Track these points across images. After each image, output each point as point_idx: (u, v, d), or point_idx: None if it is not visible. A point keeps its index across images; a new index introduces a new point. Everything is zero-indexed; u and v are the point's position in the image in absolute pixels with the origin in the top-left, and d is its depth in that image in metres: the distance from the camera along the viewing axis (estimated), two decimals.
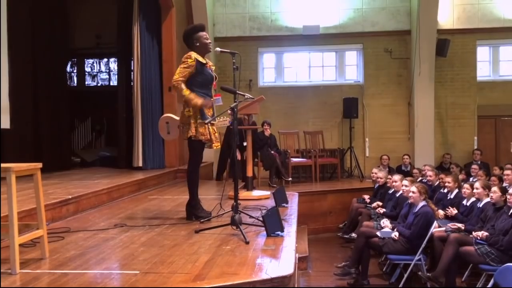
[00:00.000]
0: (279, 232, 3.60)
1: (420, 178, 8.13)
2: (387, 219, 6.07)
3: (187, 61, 4.09)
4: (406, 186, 5.99)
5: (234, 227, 3.65)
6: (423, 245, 5.24)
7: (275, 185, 8.55)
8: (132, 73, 8.44)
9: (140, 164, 8.15)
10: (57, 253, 3.14)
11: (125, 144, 8.53)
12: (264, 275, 2.59)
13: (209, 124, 4.11)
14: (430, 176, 7.40)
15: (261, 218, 3.75)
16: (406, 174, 8.54)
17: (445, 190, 6.54)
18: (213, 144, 4.18)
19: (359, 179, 9.84)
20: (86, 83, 11.80)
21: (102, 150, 10.27)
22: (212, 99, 4.25)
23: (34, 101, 7.78)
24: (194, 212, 4.29)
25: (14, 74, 6.75)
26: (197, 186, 4.33)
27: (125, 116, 8.56)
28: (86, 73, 11.83)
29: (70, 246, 3.36)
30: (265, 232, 3.60)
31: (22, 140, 7.32)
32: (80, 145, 10.88)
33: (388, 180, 7.40)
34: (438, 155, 10.26)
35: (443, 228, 5.58)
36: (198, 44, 4.21)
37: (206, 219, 4.16)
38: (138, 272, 2.69)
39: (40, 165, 3.00)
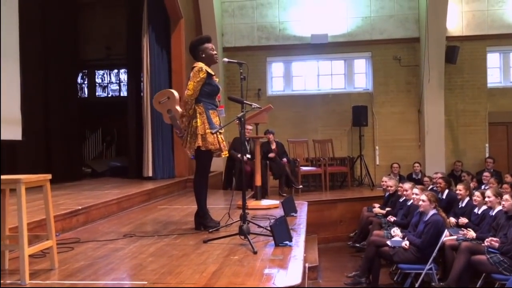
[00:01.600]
0: (287, 242, 3.59)
1: (431, 186, 8.06)
2: (397, 228, 6.04)
3: (198, 75, 4.09)
4: (416, 194, 5.95)
5: (242, 237, 3.64)
6: (434, 254, 5.19)
7: (285, 194, 8.54)
8: (141, 84, 8.50)
9: (150, 174, 8.18)
10: (67, 264, 3.16)
11: (135, 154, 8.57)
12: (271, 286, 2.58)
13: (218, 133, 4.13)
14: (440, 183, 7.34)
15: (269, 228, 3.74)
16: (416, 182, 8.47)
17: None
18: (222, 153, 4.19)
19: (370, 187, 9.79)
20: (97, 94, 11.92)
21: (113, 160, 10.34)
22: (217, 109, 4.27)
23: (45, 112, 7.88)
24: (202, 222, 4.29)
25: (25, 85, 6.83)
26: (205, 196, 4.33)
27: (135, 126, 8.62)
28: (97, 84, 11.95)
29: (80, 256, 3.38)
30: (273, 242, 3.59)
31: (33, 151, 7.40)
32: (91, 156, 10.97)
33: (399, 188, 7.34)
34: (449, 163, 10.18)
35: (455, 237, 5.53)
36: (204, 55, 4.24)
37: (214, 229, 4.16)
38: (146, 282, 2.69)
39: (49, 176, 3.03)
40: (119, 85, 11.72)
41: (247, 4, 10.78)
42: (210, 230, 4.14)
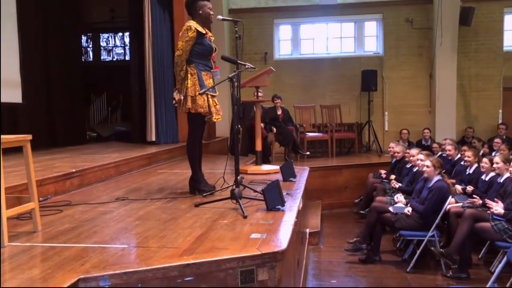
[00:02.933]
0: (279, 207, 3.47)
1: (440, 153, 7.88)
2: (401, 194, 5.90)
3: (187, 34, 3.92)
4: (421, 160, 5.77)
5: (234, 201, 3.54)
6: (436, 221, 5.06)
7: (292, 160, 8.42)
8: (144, 47, 8.30)
9: (154, 139, 8.10)
10: (51, 226, 3.10)
11: (139, 119, 8.46)
12: (254, 251, 2.48)
13: (209, 95, 3.98)
14: (450, 150, 7.15)
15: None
16: (426, 148, 8.27)
17: (465, 163, 6.31)
18: (213, 117, 4.03)
19: (377, 154, 9.61)
20: (102, 57, 11.76)
21: (118, 125, 10.28)
22: (212, 71, 4.10)
23: (46, 76, 7.78)
24: (197, 186, 4.20)
25: (24, 49, 6.72)
26: (199, 160, 4.22)
27: (138, 90, 8.48)
28: (102, 48, 11.77)
29: (66, 219, 3.31)
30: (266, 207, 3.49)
31: (34, 115, 7.34)
32: (96, 120, 10.92)
33: (406, 154, 7.17)
34: (460, 129, 9.92)
35: (460, 204, 5.38)
36: (201, 12, 4.04)
37: (208, 193, 4.07)
38: (126, 246, 2.62)
39: (29, 137, 2.93)
40: (124, 49, 11.54)
41: None
42: (204, 194, 4.05)
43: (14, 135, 2.88)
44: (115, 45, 11.77)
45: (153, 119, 8.09)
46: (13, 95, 6.46)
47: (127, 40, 11.34)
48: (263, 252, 2.45)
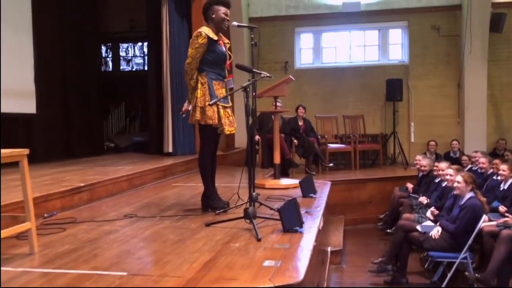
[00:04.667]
0: (297, 228, 3.18)
1: (469, 166, 7.45)
2: (433, 208, 5.51)
3: (197, 40, 3.67)
4: (451, 175, 5.38)
5: (248, 221, 3.26)
6: (469, 242, 4.66)
7: (313, 173, 8.13)
8: (162, 56, 8.14)
9: (170, 150, 7.89)
10: (50, 248, 2.87)
11: (156, 130, 8.29)
12: (267, 283, 2.19)
13: (220, 106, 3.72)
14: (483, 163, 6.72)
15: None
16: (454, 161, 7.85)
17: (498, 178, 5.88)
18: (225, 129, 3.75)
19: (403, 166, 9.20)
20: (121, 67, 11.68)
21: (136, 135, 10.13)
22: (225, 80, 3.85)
23: (64, 86, 7.68)
24: (209, 203, 3.93)
25: (40, 59, 6.62)
26: (212, 174, 3.96)
27: (156, 100, 8.31)
28: (121, 58, 11.70)
29: (67, 239, 3.08)
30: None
31: (51, 126, 7.25)
32: (114, 131, 10.82)
33: (434, 168, 6.76)
34: (491, 141, 9.42)
35: (494, 223, 4.97)
36: (214, 16, 3.79)
37: (221, 211, 3.80)
38: (125, 274, 2.36)
39: (26, 151, 2.71)
40: (143, 59, 11.43)
41: None
42: (217, 212, 3.78)
43: (9, 150, 2.66)
44: (135, 55, 11.69)
45: (170, 130, 7.90)
46: (27, 105, 6.36)
47: (146, 50, 11.24)
48: (276, 285, 2.16)
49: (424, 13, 9.76)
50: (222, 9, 3.83)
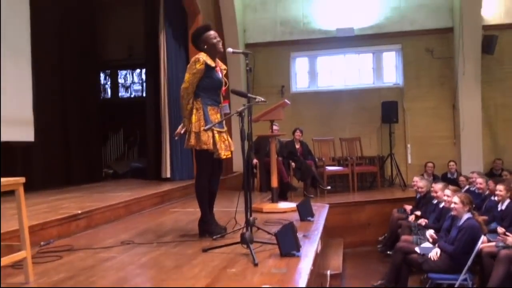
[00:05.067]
0: (294, 252, 3.18)
1: (467, 187, 7.46)
2: (432, 230, 5.50)
3: (195, 66, 3.76)
4: (448, 196, 5.40)
5: (245, 246, 3.26)
6: (469, 263, 4.64)
7: (312, 195, 8.14)
8: (160, 83, 8.24)
9: (169, 175, 7.92)
10: (45, 276, 2.86)
11: (154, 155, 8.33)
12: None
13: (216, 131, 3.76)
14: (480, 183, 6.73)
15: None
16: (452, 182, 7.86)
17: (496, 198, 5.89)
18: (221, 154, 3.79)
19: (401, 188, 9.20)
20: (120, 94, 11.79)
21: (134, 161, 10.16)
22: (220, 105, 3.91)
23: (63, 113, 7.74)
24: (206, 228, 3.93)
25: (39, 86, 6.70)
26: (208, 200, 3.97)
27: (154, 127, 8.38)
28: (120, 85, 11.82)
29: (63, 267, 3.08)
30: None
31: (50, 153, 7.27)
32: (113, 157, 10.84)
33: (431, 189, 6.77)
34: (487, 161, 9.45)
35: (493, 243, 4.96)
36: (206, 46, 3.89)
37: (219, 236, 3.80)
38: None
39: (22, 180, 2.73)
40: (142, 85, 11.55)
41: None
42: (214, 237, 3.78)
43: (5, 178, 2.68)
44: (133, 82, 11.81)
45: (168, 155, 7.94)
46: (25, 133, 6.38)
47: (144, 76, 11.37)
48: None
49: (417, 36, 9.91)
50: (210, 34, 3.92)
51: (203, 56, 3.80)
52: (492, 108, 9.67)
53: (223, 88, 3.99)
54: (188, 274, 2.83)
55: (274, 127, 6.12)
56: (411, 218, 6.60)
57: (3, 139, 5.87)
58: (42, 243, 3.76)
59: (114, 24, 10.74)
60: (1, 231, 3.36)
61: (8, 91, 6.04)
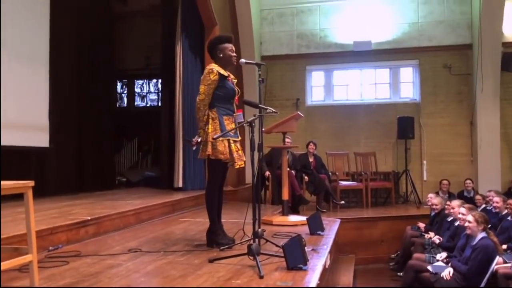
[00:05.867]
0: (301, 266, 3.12)
1: (483, 206, 7.29)
2: (444, 252, 5.38)
3: (209, 77, 3.77)
4: (463, 214, 5.28)
5: (251, 258, 3.21)
6: (483, 284, 4.52)
7: (324, 210, 8.06)
8: (175, 93, 8.29)
9: (181, 185, 7.93)
10: (51, 281, 2.86)
11: (167, 165, 8.36)
12: None
13: (231, 140, 3.75)
14: (497, 202, 6.56)
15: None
16: (468, 200, 7.70)
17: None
18: (236, 163, 3.78)
19: (416, 205, 9.05)
20: (136, 103, 11.90)
21: (147, 170, 10.20)
22: (234, 115, 3.90)
23: (77, 120, 7.81)
24: (214, 238, 3.90)
25: (56, 93, 6.80)
26: (217, 210, 3.94)
27: (168, 136, 8.42)
28: (136, 94, 11.94)
29: (69, 273, 3.07)
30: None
31: (63, 160, 7.32)
32: (127, 165, 10.91)
33: (446, 206, 6.64)
34: (505, 180, 9.24)
35: (509, 264, 4.82)
36: (221, 55, 3.91)
37: (226, 247, 3.76)
38: None
39: (31, 183, 2.74)
40: (158, 95, 11.65)
41: (286, 11, 10.43)
42: (221, 248, 3.75)
43: (14, 181, 2.70)
44: (149, 91, 11.92)
45: (181, 165, 7.96)
46: (41, 139, 6.48)
47: (160, 86, 11.48)
48: None
49: (435, 52, 9.83)
50: (228, 46, 3.94)
51: (215, 67, 3.82)
52: (510, 126, 9.49)
53: (236, 98, 3.98)
54: (192, 284, 2.80)
55: (287, 140, 6.10)
56: (428, 236, 6.42)
57: (18, 143, 5.97)
58: (50, 247, 3.76)
59: (132, 34, 10.90)
60: (10, 235, 3.40)
61: (26, 97, 6.17)
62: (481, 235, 4.67)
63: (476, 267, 4.53)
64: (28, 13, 6.25)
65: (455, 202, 6.13)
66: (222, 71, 3.82)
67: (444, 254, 5.22)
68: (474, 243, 4.68)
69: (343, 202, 8.54)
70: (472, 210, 5.22)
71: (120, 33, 10.48)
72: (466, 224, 4.79)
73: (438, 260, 5.10)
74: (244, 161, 3.95)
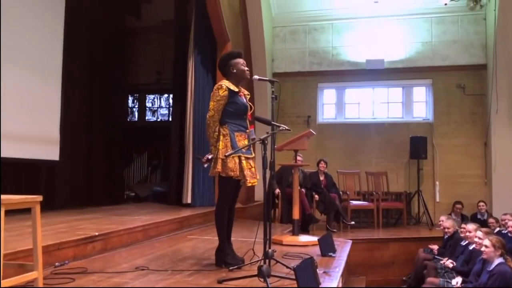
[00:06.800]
0: None
1: (497, 229, 7.11)
2: (459, 277, 5.21)
3: (218, 93, 3.71)
4: (479, 238, 5.13)
5: (262, 279, 3.11)
6: None
7: (334, 230, 7.92)
8: (186, 108, 8.28)
9: (189, 201, 7.84)
10: None
11: (176, 180, 8.29)
12: None
13: (243, 157, 3.68)
14: None
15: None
16: (482, 223, 7.52)
17: None
18: (248, 181, 3.69)
19: (428, 227, 8.87)
20: (147, 118, 11.92)
21: (156, 185, 10.14)
22: (247, 131, 3.83)
23: (87, 134, 7.82)
24: (224, 258, 3.80)
25: (67, 107, 6.80)
26: (228, 229, 3.85)
27: (178, 151, 8.37)
28: (147, 108, 11.97)
29: None
30: None
31: (73, 173, 7.31)
32: (136, 179, 10.87)
33: (462, 229, 6.48)
34: None
35: None
36: (235, 71, 3.86)
37: (235, 267, 3.66)
38: None
39: (39, 198, 2.69)
40: (169, 110, 11.66)
41: (299, 29, 10.43)
42: (230, 268, 3.65)
43: (23, 196, 2.65)
44: (160, 106, 11.94)
45: (190, 181, 7.88)
46: (51, 152, 6.46)
47: (171, 101, 11.50)
48: None
49: (449, 72, 9.74)
50: (240, 61, 3.90)
51: (225, 83, 3.77)
52: None
53: (249, 113, 3.92)
54: None
55: (298, 158, 6.01)
56: (443, 262, 6.22)
57: (29, 156, 5.96)
58: (57, 263, 3.69)
59: (145, 48, 10.96)
60: (16, 249, 3.33)
61: (37, 110, 6.18)
62: (498, 260, 4.52)
63: None
64: (42, 26, 6.30)
65: (471, 226, 5.97)
66: (232, 87, 3.76)
67: (459, 279, 5.06)
68: (491, 268, 4.53)
69: (353, 222, 8.40)
70: (489, 235, 5.07)
71: (133, 48, 10.55)
72: (483, 248, 4.65)
73: (453, 286, 4.93)
74: (257, 179, 3.86)
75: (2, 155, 5.29)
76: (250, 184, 3.76)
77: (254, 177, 3.79)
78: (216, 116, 3.71)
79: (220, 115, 3.72)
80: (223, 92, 3.69)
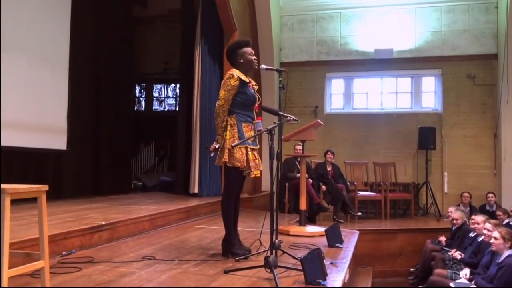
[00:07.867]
0: (320, 281, 2.99)
1: (506, 221, 7.04)
2: (468, 270, 5.17)
3: (229, 82, 3.66)
4: (488, 230, 5.08)
5: (268, 270, 3.10)
6: None
7: (342, 220, 7.90)
8: (193, 98, 8.25)
9: (196, 191, 7.85)
10: None
11: (183, 170, 8.29)
12: None
13: (249, 148, 3.65)
14: None
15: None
16: (490, 215, 7.45)
17: None
18: (252, 172, 3.66)
19: (436, 218, 8.82)
20: (154, 108, 11.92)
21: (163, 175, 10.15)
22: (254, 122, 3.79)
23: (95, 124, 7.80)
24: (230, 248, 3.79)
25: (74, 96, 6.80)
26: (234, 219, 3.84)
27: (185, 141, 8.36)
28: (154, 98, 11.96)
29: (81, 280, 2.99)
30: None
31: (80, 163, 7.31)
32: (143, 169, 10.89)
33: (471, 221, 6.42)
34: None
35: None
36: (242, 60, 3.81)
37: (242, 257, 3.65)
38: None
39: (45, 187, 2.67)
40: (176, 100, 11.64)
41: (307, 18, 10.33)
42: (237, 258, 3.63)
43: (28, 185, 2.63)
44: (167, 96, 11.92)
45: (197, 171, 7.88)
46: (58, 142, 6.47)
47: (179, 91, 11.47)
48: None
49: (458, 62, 9.61)
50: (247, 50, 3.84)
51: (236, 72, 3.72)
52: None
53: (256, 105, 3.87)
54: None
55: (297, 147, 5.91)
56: (451, 253, 6.18)
57: (36, 146, 5.97)
58: (64, 253, 3.70)
59: (152, 38, 10.93)
60: (23, 239, 3.34)
61: (45, 100, 6.17)
62: (507, 252, 4.47)
63: (502, 286, 4.33)
64: (49, 16, 6.27)
65: (480, 218, 5.91)
66: (243, 77, 3.72)
67: (467, 271, 5.02)
68: (500, 260, 4.49)
69: (360, 213, 8.38)
70: (499, 226, 5.02)
71: (140, 37, 10.51)
72: (492, 240, 4.60)
73: (461, 277, 4.90)
74: (261, 171, 3.84)
75: (9, 145, 5.30)
76: (253, 176, 3.74)
77: (257, 169, 3.76)
78: (225, 105, 3.67)
79: (230, 105, 3.68)
80: (235, 81, 3.64)
